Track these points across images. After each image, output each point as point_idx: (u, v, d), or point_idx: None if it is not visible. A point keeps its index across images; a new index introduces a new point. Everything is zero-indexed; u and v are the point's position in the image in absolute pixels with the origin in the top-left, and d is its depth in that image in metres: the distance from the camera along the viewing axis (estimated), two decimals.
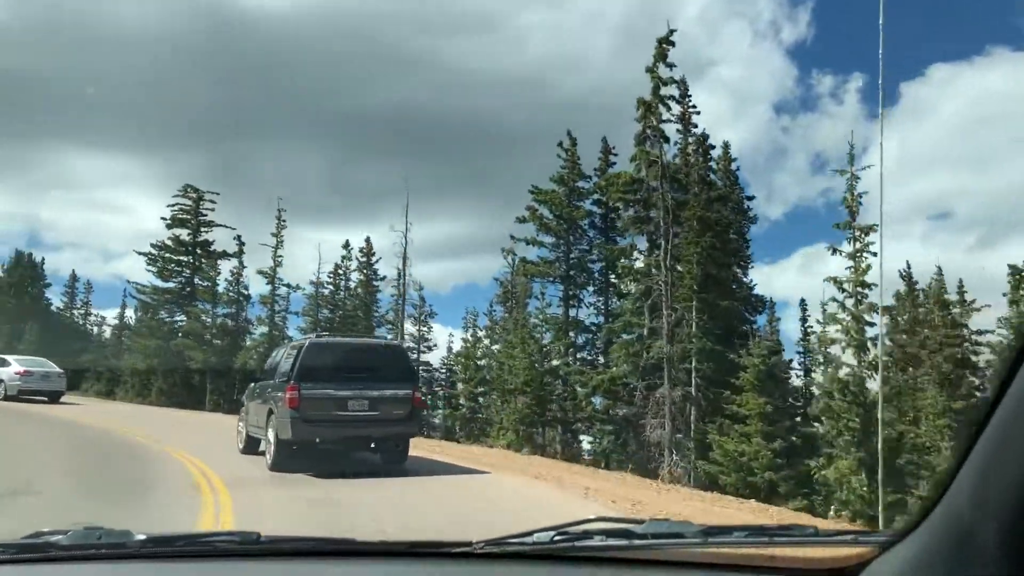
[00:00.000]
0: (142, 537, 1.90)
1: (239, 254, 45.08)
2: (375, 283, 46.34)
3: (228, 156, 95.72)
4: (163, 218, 47.12)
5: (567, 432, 31.32)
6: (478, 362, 37.46)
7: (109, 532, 1.92)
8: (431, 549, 2.02)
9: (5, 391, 26.74)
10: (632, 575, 1.89)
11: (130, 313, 55.90)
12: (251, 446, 13.78)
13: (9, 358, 28.95)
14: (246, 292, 45.07)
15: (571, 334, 33.95)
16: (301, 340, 13.52)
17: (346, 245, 46.60)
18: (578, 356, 34.29)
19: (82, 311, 60.11)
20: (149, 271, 46.78)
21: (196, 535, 2.07)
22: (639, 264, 29.31)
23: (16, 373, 26.94)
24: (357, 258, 46.49)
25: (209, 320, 44.46)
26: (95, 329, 60.72)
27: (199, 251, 47.32)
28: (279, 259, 44.83)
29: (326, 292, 45.91)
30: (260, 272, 44.35)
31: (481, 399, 36.53)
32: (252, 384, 14.30)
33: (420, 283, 48.03)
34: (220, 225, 47.89)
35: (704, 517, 9.59)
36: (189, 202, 47.72)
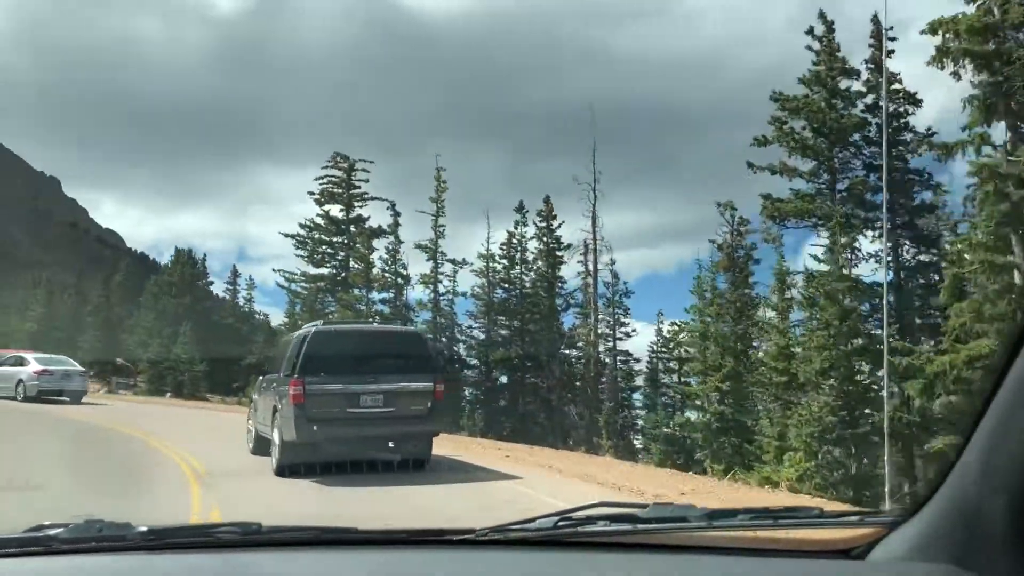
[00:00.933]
0: (143, 529, 1.87)
1: (395, 227, 37.20)
2: (558, 252, 36.79)
3: (415, 163, 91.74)
4: (311, 193, 40.27)
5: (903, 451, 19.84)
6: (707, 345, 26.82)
7: (110, 524, 1.88)
8: (433, 536, 1.98)
9: (24, 391, 24.42)
10: (636, 560, 1.85)
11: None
12: (261, 446, 11.99)
13: (27, 356, 26.63)
14: (404, 272, 37.12)
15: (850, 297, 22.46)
16: (306, 328, 11.51)
17: (520, 207, 37.31)
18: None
19: (246, 309, 55.54)
20: (299, 256, 40.03)
21: (197, 526, 2.08)
22: (990, 159, 17.34)
23: (35, 372, 24.73)
24: (535, 223, 37.13)
25: (364, 307, 36.78)
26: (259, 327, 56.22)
27: (352, 228, 40.05)
28: (440, 229, 36.39)
29: (499, 268, 36.99)
30: (419, 246, 36.16)
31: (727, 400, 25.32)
32: (260, 377, 12.99)
33: (612, 256, 37.71)
34: (375, 198, 40.47)
35: None
36: (340, 173, 40.53)
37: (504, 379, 37.00)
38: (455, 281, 36.52)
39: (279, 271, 39.77)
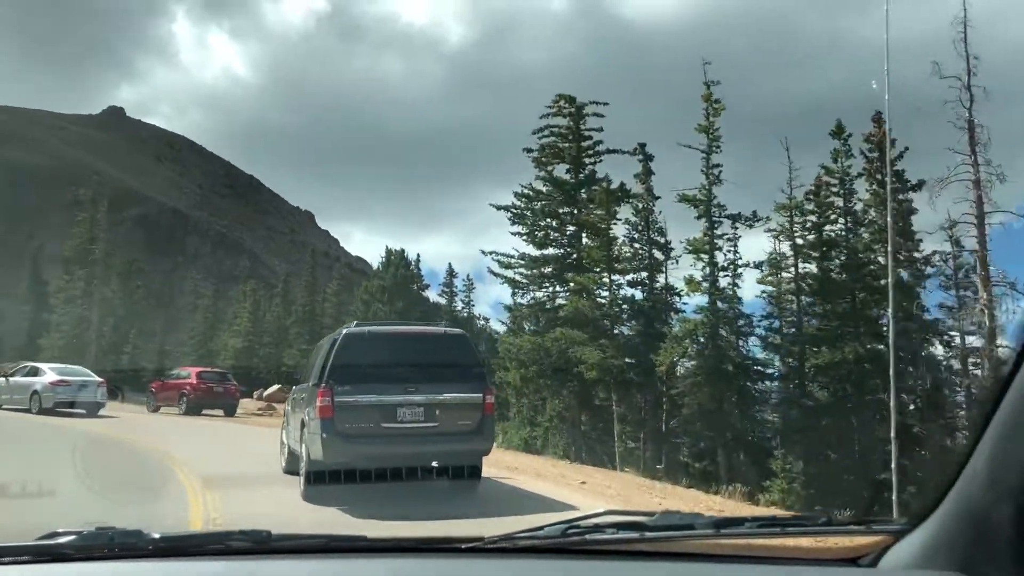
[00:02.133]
0: (154, 536, 1.86)
1: (645, 175, 25.59)
2: (901, 197, 23.10)
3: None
4: (527, 151, 29.88)
5: None
6: None
7: (121, 532, 1.88)
8: (442, 545, 1.99)
9: (40, 403, 23.24)
10: (644, 568, 1.87)
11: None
12: (293, 463, 10.08)
13: (43, 366, 25.54)
14: (663, 242, 25.39)
15: None
16: (337, 331, 9.83)
17: (838, 130, 23.95)
18: None
19: (464, 312, 47.01)
20: (516, 234, 29.72)
21: (207, 534, 2.07)
22: None
23: (50, 383, 23.71)
24: (863, 151, 23.66)
25: (607, 294, 25.51)
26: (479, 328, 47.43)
27: (584, 192, 29.14)
28: (715, 172, 24.17)
29: (808, 223, 24.00)
30: (685, 199, 24.12)
31: None
32: (294, 387, 11.33)
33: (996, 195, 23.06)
34: (614, 151, 29.26)
35: None
36: (565, 121, 29.86)
37: (823, 394, 23.79)
38: (736, 249, 24.09)
39: (490, 253, 29.56)
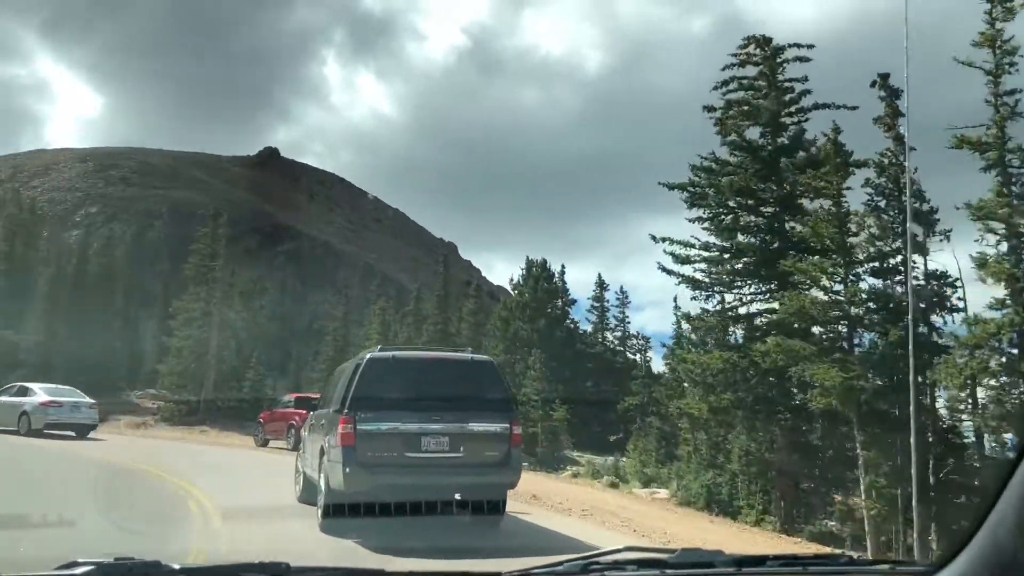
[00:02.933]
0: (175, 567, 1.86)
1: (891, 117, 17.68)
2: None
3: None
4: (709, 110, 22.64)
5: None
6: None
7: (139, 563, 1.86)
8: None
9: (29, 424, 21.99)
10: None
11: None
12: (310, 492, 9.77)
13: (33, 386, 23.96)
14: (927, 210, 17.31)
15: None
16: (360, 356, 9.29)
17: None
18: None
19: (618, 333, 40.07)
20: (696, 221, 22.42)
21: (225, 566, 2.01)
22: None
23: (41, 404, 22.38)
24: None
25: (840, 290, 17.63)
26: (637, 356, 40.14)
27: (791, 159, 21.56)
28: (1009, 100, 16.03)
29: None
30: (963, 142, 16.10)
31: None
32: (312, 413, 10.74)
33: None
34: (826, 105, 21.56)
35: None
36: (758, 70, 22.52)
37: None
38: None
39: (664, 240, 22.16)
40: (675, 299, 35.67)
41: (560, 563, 1.86)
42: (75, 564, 1.81)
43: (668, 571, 1.79)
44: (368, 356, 8.83)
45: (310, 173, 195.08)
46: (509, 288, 41.34)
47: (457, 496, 8.21)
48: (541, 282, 37.81)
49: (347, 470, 7.91)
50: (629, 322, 41.16)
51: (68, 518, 8.08)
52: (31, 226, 46.26)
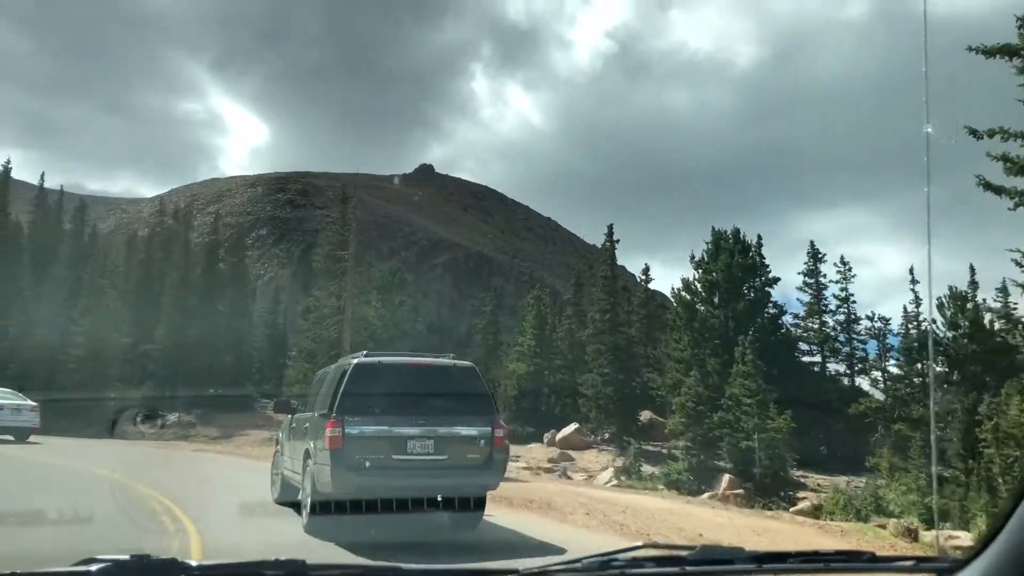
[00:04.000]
0: (192, 563, 1.83)
1: None
2: None
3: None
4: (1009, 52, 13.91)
5: None
6: None
7: (156, 560, 1.83)
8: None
9: None
10: None
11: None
12: (288, 494, 9.96)
13: None
14: None
15: None
16: (346, 360, 9.61)
17: None
18: None
19: (840, 316, 30.67)
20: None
21: (242, 564, 1.92)
22: None
23: None
24: None
25: None
26: (872, 344, 30.45)
27: None
28: None
29: None
30: None
31: None
32: (289, 417, 10.82)
33: None
34: None
35: None
36: None
37: None
38: None
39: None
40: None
41: (579, 560, 1.84)
42: (91, 560, 1.79)
43: (687, 568, 1.78)
44: (355, 361, 8.94)
45: (463, 186, 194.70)
46: (669, 295, 32.83)
47: (438, 499, 8.31)
48: (736, 256, 29.41)
49: (335, 472, 7.99)
50: (855, 301, 31.48)
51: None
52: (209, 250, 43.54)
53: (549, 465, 22.40)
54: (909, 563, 1.73)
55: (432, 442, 8.35)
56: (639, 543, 2.17)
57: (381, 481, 8.08)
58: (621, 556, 1.82)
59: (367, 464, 8.05)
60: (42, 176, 56.51)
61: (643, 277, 37.04)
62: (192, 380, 30.63)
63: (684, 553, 1.82)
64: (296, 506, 9.00)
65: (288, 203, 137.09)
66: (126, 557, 1.81)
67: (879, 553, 1.86)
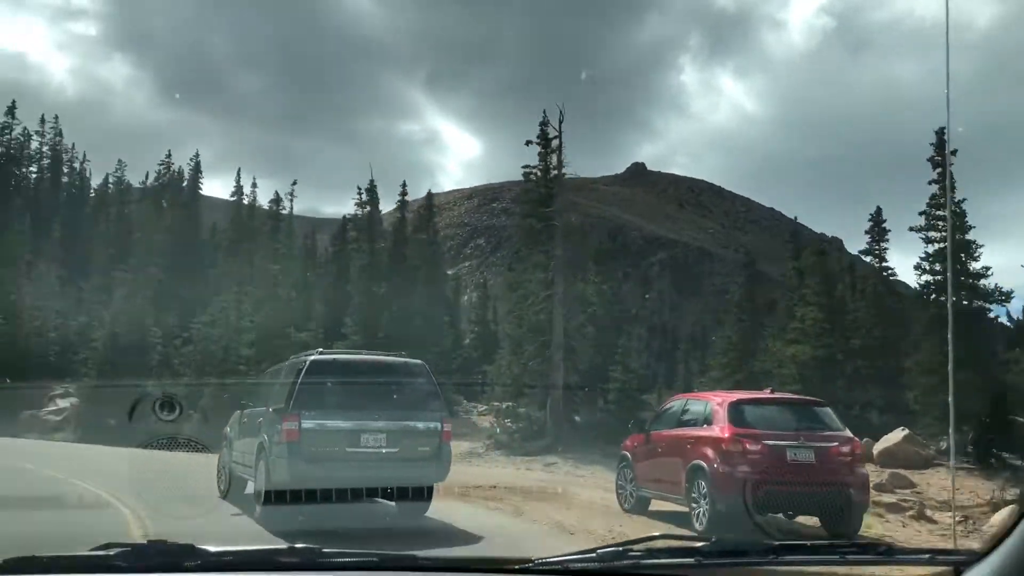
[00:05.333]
0: (211, 549, 1.81)
1: None
2: None
3: None
4: None
5: None
6: None
7: (174, 546, 1.82)
8: (492, 566, 1.91)
9: None
10: None
11: None
12: (234, 487, 10.32)
13: None
14: None
15: None
16: (301, 358, 9.75)
17: None
18: None
19: None
20: None
21: (259, 550, 1.93)
22: None
23: None
24: None
25: None
26: None
27: None
28: None
29: None
30: None
31: None
32: (238, 412, 10.79)
33: None
34: None
35: None
36: None
37: None
38: None
39: None
40: None
41: (594, 550, 1.80)
42: (110, 546, 1.77)
43: (703, 559, 1.75)
44: (311, 358, 9.15)
45: (678, 182, 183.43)
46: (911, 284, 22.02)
47: (388, 490, 8.77)
48: None
49: (292, 464, 8.20)
50: None
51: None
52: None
53: (883, 497, 13.42)
54: (925, 556, 1.69)
55: (384, 436, 8.57)
56: (656, 534, 1.84)
57: (336, 472, 8.34)
58: (637, 547, 1.79)
59: (322, 456, 8.30)
60: (286, 198, 56.22)
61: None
62: None
63: (700, 544, 1.80)
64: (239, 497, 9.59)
65: (503, 211, 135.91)
66: (143, 542, 1.84)
67: (896, 544, 1.87)
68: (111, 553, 1.73)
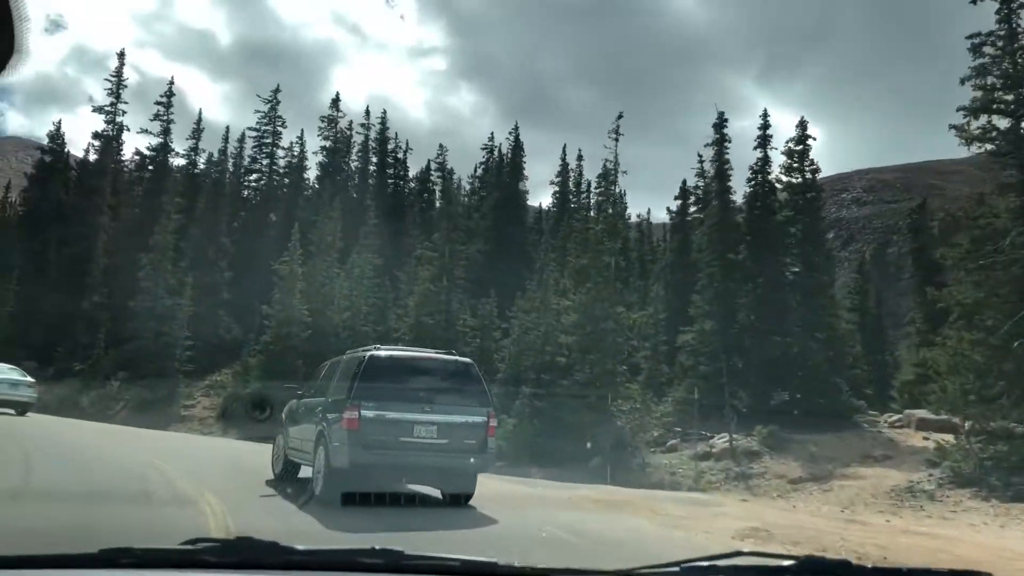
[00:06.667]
0: (299, 547, 1.81)
1: None
2: None
3: None
4: None
5: None
6: None
7: (259, 543, 1.82)
8: (572, 575, 1.90)
9: None
10: None
11: None
12: (288, 471, 11.23)
13: None
14: None
15: None
16: (359, 353, 10.31)
17: None
18: None
19: None
20: None
21: (342, 551, 1.92)
22: None
23: None
24: None
25: None
26: None
27: None
28: None
29: None
30: None
31: None
32: (293, 402, 11.59)
33: None
34: None
35: None
36: None
37: None
38: None
39: None
40: None
41: (675, 563, 1.73)
42: (198, 540, 1.77)
43: None
44: (369, 355, 9.63)
45: None
46: None
47: (438, 478, 9.79)
48: None
49: (352, 449, 8.77)
50: None
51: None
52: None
53: None
54: None
55: (435, 428, 9.13)
56: (741, 550, 1.78)
57: (390, 459, 8.96)
58: (721, 563, 1.73)
59: (378, 444, 8.83)
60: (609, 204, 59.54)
61: None
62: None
63: (787, 563, 1.72)
64: (294, 480, 10.64)
65: (854, 202, 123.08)
66: (231, 538, 1.86)
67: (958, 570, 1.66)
68: (200, 547, 1.74)
